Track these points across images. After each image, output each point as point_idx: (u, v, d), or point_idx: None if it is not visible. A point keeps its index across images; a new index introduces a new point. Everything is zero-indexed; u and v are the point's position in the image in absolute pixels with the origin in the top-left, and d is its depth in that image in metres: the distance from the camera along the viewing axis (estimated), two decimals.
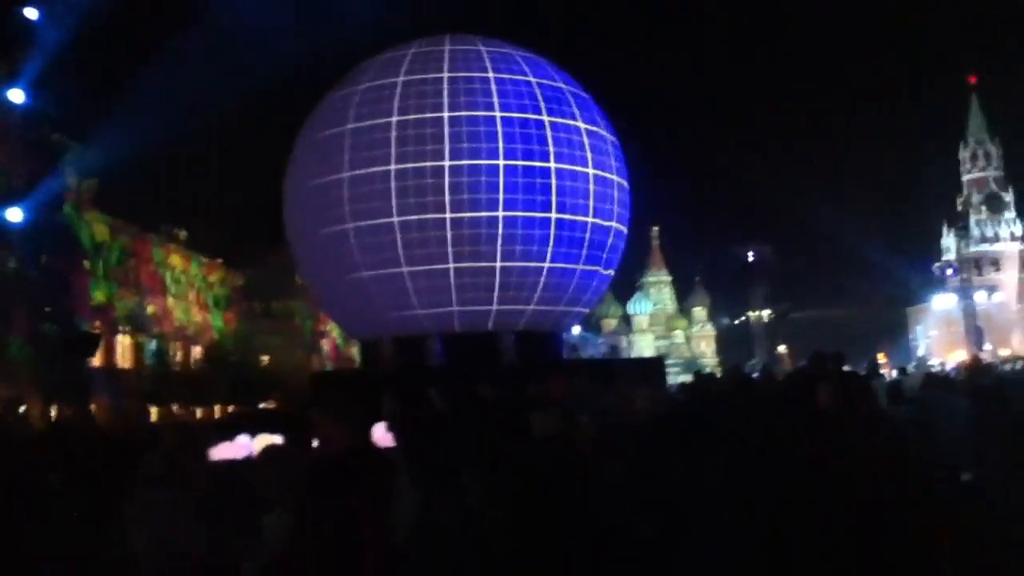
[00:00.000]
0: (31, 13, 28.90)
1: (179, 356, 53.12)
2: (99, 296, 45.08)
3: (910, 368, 31.45)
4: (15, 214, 28.51)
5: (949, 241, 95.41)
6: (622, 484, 5.15)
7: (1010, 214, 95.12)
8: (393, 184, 25.68)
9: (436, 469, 6.59)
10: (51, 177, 30.53)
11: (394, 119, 26.14)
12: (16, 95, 28.89)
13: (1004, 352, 62.53)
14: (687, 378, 29.55)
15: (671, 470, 5.10)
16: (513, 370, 22.38)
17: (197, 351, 54.72)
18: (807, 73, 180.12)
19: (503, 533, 4.75)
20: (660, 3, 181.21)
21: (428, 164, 25.72)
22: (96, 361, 38.20)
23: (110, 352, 45.16)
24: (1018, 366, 27.21)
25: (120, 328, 47.84)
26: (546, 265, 26.72)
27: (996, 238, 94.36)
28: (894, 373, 22.40)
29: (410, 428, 8.07)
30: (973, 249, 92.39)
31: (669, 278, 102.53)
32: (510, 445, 5.67)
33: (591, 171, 27.46)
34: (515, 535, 4.61)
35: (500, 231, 25.90)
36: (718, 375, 22.58)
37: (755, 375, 18.54)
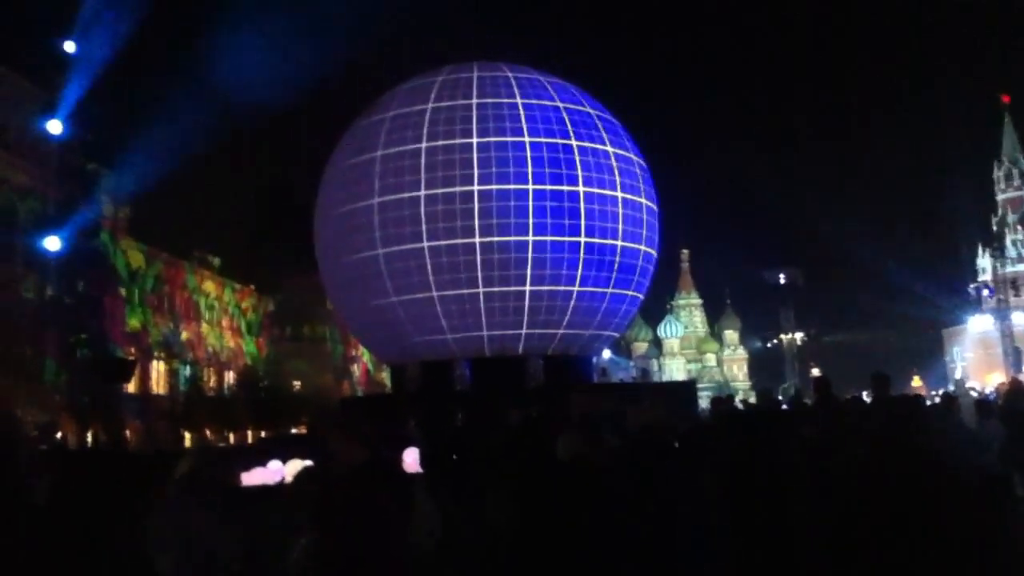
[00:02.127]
0: (68, 46, 29.54)
1: (212, 381, 53.50)
2: (134, 322, 45.66)
3: (949, 391, 30.93)
4: (53, 242, 29.04)
5: (984, 262, 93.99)
6: (647, 501, 5.12)
7: None
8: (423, 210, 25.86)
9: (459, 488, 6.61)
10: (87, 205, 31.03)
11: (423, 145, 26.36)
12: (54, 126, 29.50)
13: None
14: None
15: (695, 491, 5.07)
16: (542, 394, 22.35)
17: (230, 376, 55.13)
18: (838, 95, 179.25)
19: (523, 552, 4.75)
20: (691, 28, 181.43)
21: (457, 189, 25.88)
22: (130, 386, 38.60)
23: (144, 377, 45.62)
24: None
25: (154, 354, 48.36)
26: (575, 289, 26.71)
27: None
28: (935, 397, 22.10)
29: (435, 447, 8.10)
30: (1010, 269, 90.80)
31: (700, 301, 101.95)
32: (533, 465, 5.68)
33: (620, 195, 27.48)
34: (535, 554, 4.61)
35: (529, 255, 25.96)
36: (740, 398, 22.39)
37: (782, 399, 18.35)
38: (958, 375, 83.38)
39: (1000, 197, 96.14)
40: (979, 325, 79.51)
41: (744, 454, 5.41)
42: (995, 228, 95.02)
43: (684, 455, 5.52)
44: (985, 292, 77.85)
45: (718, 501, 5.06)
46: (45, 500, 4.44)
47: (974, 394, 24.78)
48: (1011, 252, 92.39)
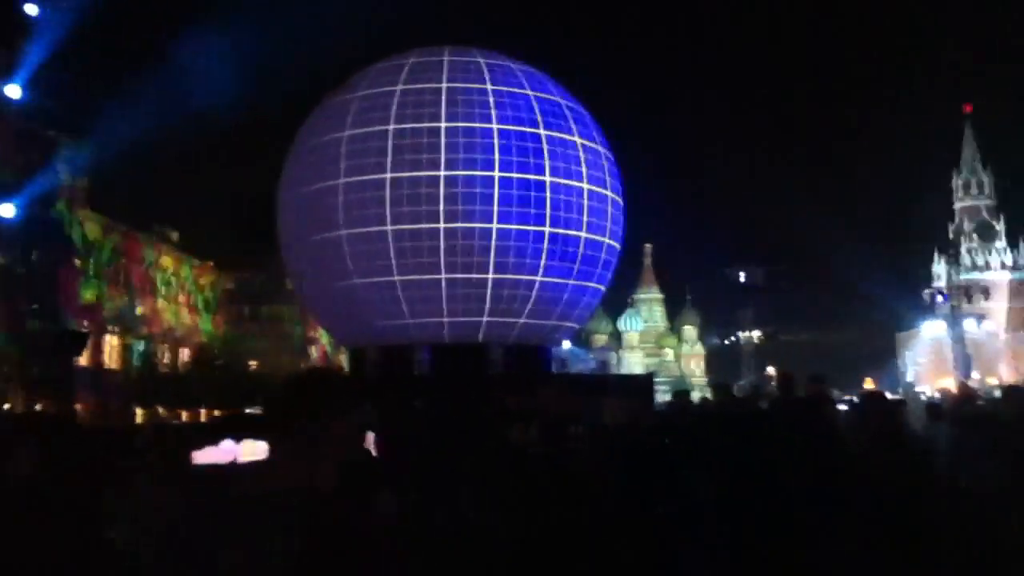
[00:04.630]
0: (31, 9, 28.88)
1: (167, 358, 52.77)
2: (88, 295, 44.88)
3: (898, 394, 31.45)
4: (7, 209, 28.39)
5: (940, 268, 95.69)
6: (606, 492, 5.13)
7: (1001, 243, 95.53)
8: (388, 192, 25.70)
9: (421, 477, 6.58)
10: (44, 173, 30.40)
11: (391, 127, 26.19)
12: (12, 90, 28.82)
13: (992, 381, 62.70)
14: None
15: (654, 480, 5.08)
16: (500, 382, 22.38)
17: (185, 353, 54.42)
18: (804, 97, 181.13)
19: (492, 541, 4.74)
20: (660, 20, 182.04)
21: (423, 174, 25.76)
22: (83, 360, 37.99)
23: (97, 351, 44.90)
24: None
25: (108, 328, 47.60)
26: (538, 279, 26.73)
27: (987, 266, 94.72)
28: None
29: (392, 433, 8.05)
30: (964, 277, 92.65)
31: (661, 296, 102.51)
32: (490, 456, 5.67)
33: (586, 186, 27.53)
34: (504, 544, 4.61)
35: (493, 243, 25.93)
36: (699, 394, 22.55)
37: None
38: (910, 378, 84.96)
39: (958, 205, 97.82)
40: (932, 330, 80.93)
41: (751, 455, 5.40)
42: (952, 236, 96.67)
43: (681, 454, 5.50)
44: (939, 298, 79.25)
45: (719, 502, 5.05)
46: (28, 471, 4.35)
47: (923, 398, 25.25)
48: (966, 260, 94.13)
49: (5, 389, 28.51)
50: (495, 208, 25.91)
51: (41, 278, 30.96)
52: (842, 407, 15.86)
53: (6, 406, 26.51)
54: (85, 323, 41.63)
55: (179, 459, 4.74)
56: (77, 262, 42.46)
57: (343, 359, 51.49)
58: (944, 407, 13.67)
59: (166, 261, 55.83)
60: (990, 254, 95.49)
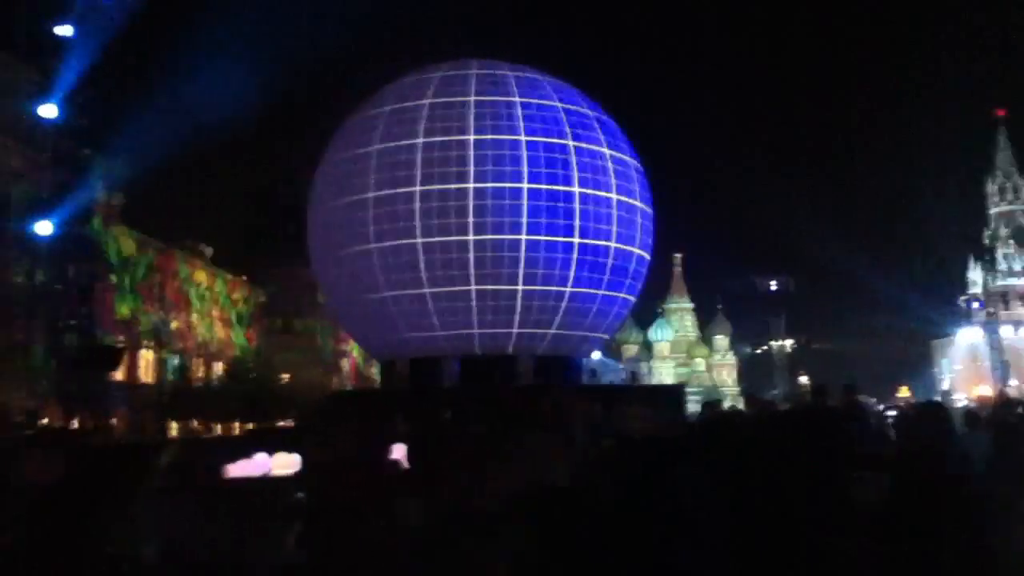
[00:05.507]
0: (64, 29, 29.37)
1: (200, 372, 53.32)
2: (123, 310, 45.44)
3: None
4: (44, 227, 28.85)
5: (975, 275, 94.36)
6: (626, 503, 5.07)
7: None
8: (417, 205, 25.79)
9: (443, 486, 6.59)
10: (79, 191, 30.82)
11: (420, 141, 26.30)
12: (47, 110, 29.31)
13: None
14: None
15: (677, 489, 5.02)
16: (530, 393, 22.32)
17: (218, 367, 54.93)
18: (835, 106, 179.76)
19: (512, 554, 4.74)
20: (691, 34, 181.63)
21: (453, 186, 25.82)
22: (118, 375, 38.42)
23: (132, 366, 45.42)
24: None
25: (143, 343, 48.14)
26: (568, 289, 26.67)
27: (1023, 272, 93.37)
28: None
29: (422, 445, 8.06)
30: (1000, 283, 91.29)
31: (691, 306, 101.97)
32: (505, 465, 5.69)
33: (615, 196, 27.46)
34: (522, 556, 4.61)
35: (523, 254, 25.92)
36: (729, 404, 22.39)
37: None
38: (946, 386, 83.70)
39: (993, 211, 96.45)
40: (968, 337, 79.80)
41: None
42: (987, 241, 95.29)
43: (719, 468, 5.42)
44: (975, 305, 78.17)
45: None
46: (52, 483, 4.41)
47: (959, 405, 24.92)
48: (1002, 265, 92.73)
49: (42, 404, 28.88)
50: (524, 219, 25.92)
51: (77, 294, 31.36)
52: (891, 413, 15.74)
53: (44, 420, 26.85)
54: (120, 338, 42.12)
55: (200, 474, 4.77)
56: (112, 278, 43.01)
57: (374, 372, 51.70)
58: (983, 415, 13.48)
59: (200, 276, 56.40)
60: None
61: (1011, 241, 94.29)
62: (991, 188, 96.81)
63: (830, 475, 5.28)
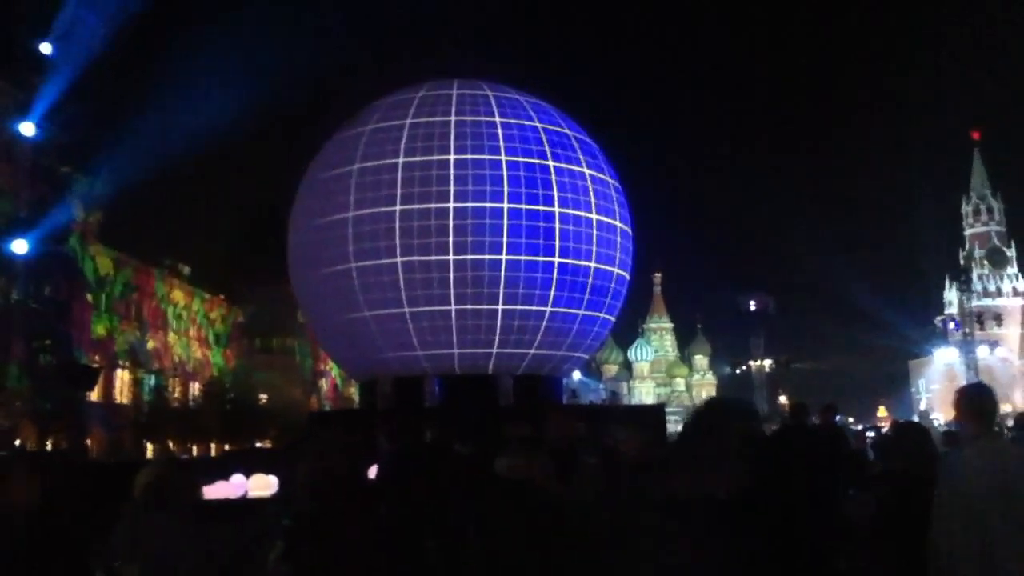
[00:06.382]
0: (44, 47, 29.28)
1: (177, 392, 52.84)
2: (100, 329, 45.07)
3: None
4: (20, 245, 28.62)
5: (951, 295, 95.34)
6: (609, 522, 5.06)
7: (1012, 269, 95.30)
8: (397, 225, 25.76)
9: (423, 508, 6.58)
10: (57, 209, 30.62)
11: (400, 160, 26.30)
12: (26, 127, 29.15)
13: (1006, 408, 62.18)
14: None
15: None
16: (511, 413, 22.26)
17: (196, 387, 54.48)
18: (812, 125, 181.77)
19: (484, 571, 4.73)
20: (668, 52, 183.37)
21: (433, 206, 25.82)
22: (94, 394, 38.06)
23: (108, 386, 45.00)
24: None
25: (120, 362, 47.73)
26: (548, 309, 26.69)
27: (998, 292, 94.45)
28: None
29: (401, 465, 8.03)
30: (975, 303, 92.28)
31: (671, 325, 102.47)
32: (476, 484, 5.69)
33: (594, 216, 27.55)
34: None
35: (503, 274, 25.93)
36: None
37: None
38: (923, 406, 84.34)
39: (968, 232, 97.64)
40: (945, 357, 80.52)
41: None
42: (962, 262, 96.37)
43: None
44: (951, 325, 78.84)
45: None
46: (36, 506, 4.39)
47: (937, 425, 25.12)
48: (977, 286, 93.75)
49: (17, 424, 28.55)
50: (504, 239, 25.95)
51: (53, 313, 31.11)
52: (870, 434, 15.82)
53: (17, 442, 26.52)
54: (96, 357, 41.74)
55: (183, 493, 4.74)
56: (89, 297, 42.68)
57: (353, 392, 51.41)
58: (961, 434, 13.61)
59: (177, 295, 56.06)
60: (1001, 280, 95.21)
61: (986, 262, 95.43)
62: (966, 209, 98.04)
63: (824, 492, 5.31)
